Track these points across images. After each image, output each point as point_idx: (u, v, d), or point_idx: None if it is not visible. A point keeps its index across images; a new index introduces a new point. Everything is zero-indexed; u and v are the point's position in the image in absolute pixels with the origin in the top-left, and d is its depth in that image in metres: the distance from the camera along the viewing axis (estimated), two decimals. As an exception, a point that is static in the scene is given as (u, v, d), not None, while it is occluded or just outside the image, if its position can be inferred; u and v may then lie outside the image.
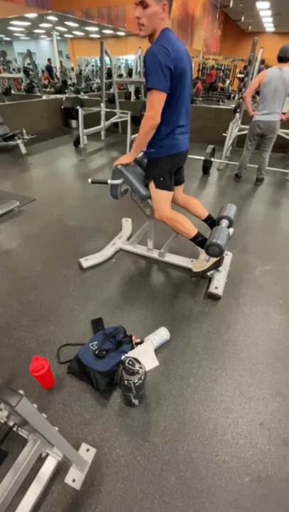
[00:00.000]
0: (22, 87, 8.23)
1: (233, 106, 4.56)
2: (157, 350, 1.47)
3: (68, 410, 1.22)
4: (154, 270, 2.09)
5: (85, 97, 7.01)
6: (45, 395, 1.27)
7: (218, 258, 1.76)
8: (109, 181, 1.69)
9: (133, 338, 1.46)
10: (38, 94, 7.64)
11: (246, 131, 3.52)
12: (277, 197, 3.38)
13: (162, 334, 1.50)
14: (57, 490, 0.99)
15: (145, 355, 1.37)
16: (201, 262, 1.83)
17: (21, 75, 8.05)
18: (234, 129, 4.38)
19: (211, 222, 1.96)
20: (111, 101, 5.71)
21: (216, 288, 1.82)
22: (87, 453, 1.07)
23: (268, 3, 10.05)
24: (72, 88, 8.89)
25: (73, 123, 6.36)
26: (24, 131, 4.55)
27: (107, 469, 1.05)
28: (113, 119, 5.43)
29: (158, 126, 1.48)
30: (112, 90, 5.73)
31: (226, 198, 3.28)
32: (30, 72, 7.84)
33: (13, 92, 7.63)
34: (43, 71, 10.99)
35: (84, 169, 4.13)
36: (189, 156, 1.81)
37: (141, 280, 1.99)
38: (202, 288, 1.92)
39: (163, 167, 1.64)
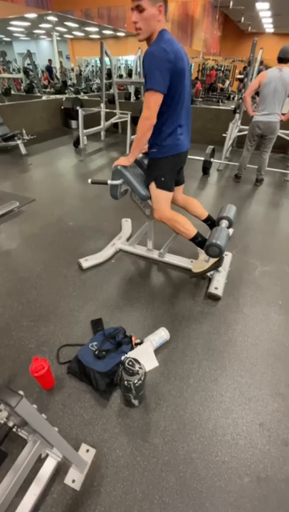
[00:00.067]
0: (22, 87, 8.23)
1: (233, 107, 4.57)
2: (157, 351, 1.47)
3: (68, 411, 1.22)
4: (153, 271, 2.09)
5: (85, 97, 7.01)
6: (44, 396, 1.27)
7: (218, 258, 1.76)
8: (109, 182, 1.69)
9: (133, 338, 1.46)
10: (38, 94, 7.64)
11: (246, 132, 3.53)
12: (276, 197, 3.38)
13: (162, 335, 1.50)
14: (56, 491, 0.99)
15: (145, 356, 1.37)
16: (201, 262, 1.83)
17: (21, 75, 8.06)
18: (234, 130, 4.38)
19: (211, 222, 1.96)
20: (111, 101, 5.71)
21: (216, 288, 1.82)
22: (86, 453, 1.07)
23: (267, 4, 10.07)
24: (72, 88, 8.91)
25: (73, 123, 6.36)
26: (24, 131, 4.55)
27: (106, 470, 1.05)
28: (113, 120, 5.43)
29: (159, 126, 1.48)
30: (111, 91, 5.74)
31: (225, 199, 3.28)
32: (30, 73, 7.86)
33: (13, 92, 7.64)
34: (43, 71, 11.01)
35: (84, 169, 4.13)
36: (189, 156, 1.81)
37: (141, 281, 1.99)
38: (202, 288, 1.92)
39: (165, 167, 1.64)
